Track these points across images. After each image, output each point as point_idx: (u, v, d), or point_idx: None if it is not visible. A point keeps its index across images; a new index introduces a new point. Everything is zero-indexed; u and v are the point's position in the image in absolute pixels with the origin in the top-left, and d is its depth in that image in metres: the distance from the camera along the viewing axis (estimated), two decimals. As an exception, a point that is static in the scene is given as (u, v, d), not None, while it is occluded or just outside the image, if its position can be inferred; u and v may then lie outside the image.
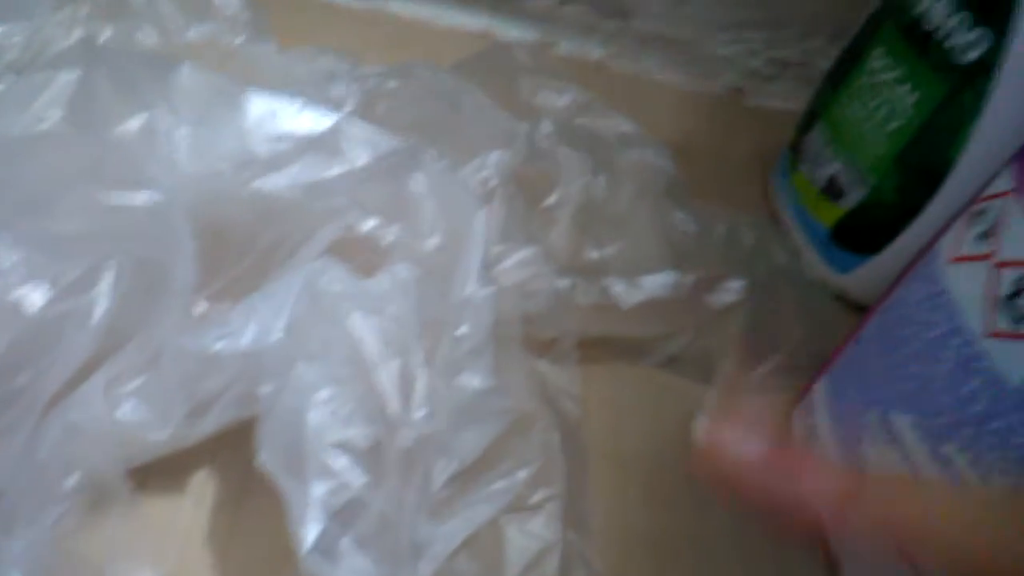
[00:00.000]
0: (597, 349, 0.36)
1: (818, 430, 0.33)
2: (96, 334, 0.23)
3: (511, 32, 0.53)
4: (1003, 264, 0.26)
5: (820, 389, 0.34)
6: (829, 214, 0.41)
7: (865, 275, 0.40)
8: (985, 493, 0.19)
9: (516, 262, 0.34)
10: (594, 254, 0.37)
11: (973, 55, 0.34)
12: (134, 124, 0.25)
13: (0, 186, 0.23)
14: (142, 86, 0.26)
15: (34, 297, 0.22)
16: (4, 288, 0.22)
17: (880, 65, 0.39)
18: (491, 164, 0.36)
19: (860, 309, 0.41)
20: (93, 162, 0.24)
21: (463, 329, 0.28)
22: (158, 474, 0.26)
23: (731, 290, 0.36)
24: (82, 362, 0.24)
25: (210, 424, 0.26)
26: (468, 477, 0.27)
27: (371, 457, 0.25)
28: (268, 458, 0.25)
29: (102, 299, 0.23)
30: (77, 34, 0.32)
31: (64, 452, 0.23)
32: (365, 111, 0.34)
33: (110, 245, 0.24)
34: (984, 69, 0.34)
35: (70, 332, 0.23)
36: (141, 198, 0.24)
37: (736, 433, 0.17)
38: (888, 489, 0.17)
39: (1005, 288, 0.25)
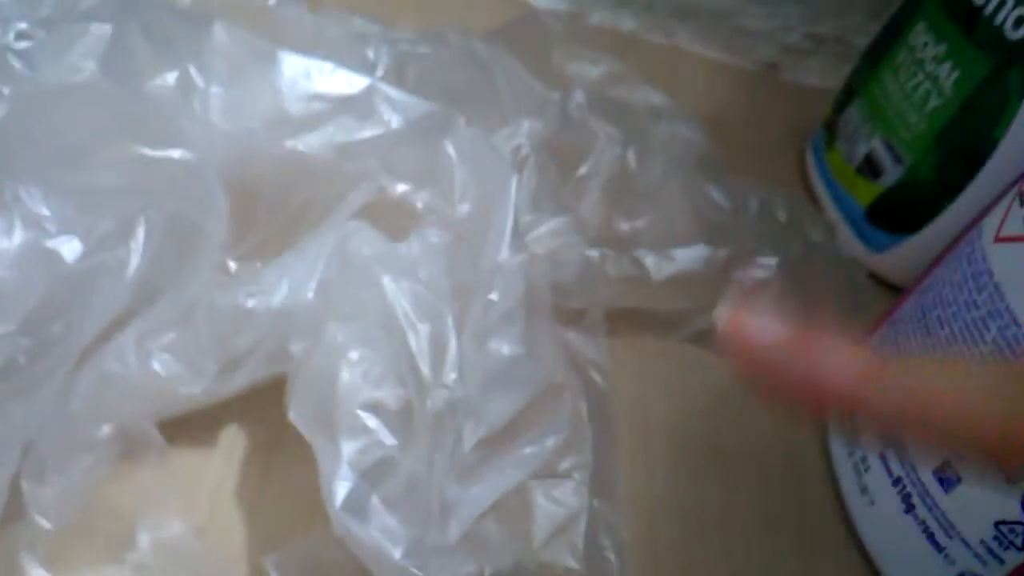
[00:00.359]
0: (626, 321, 0.36)
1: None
2: (130, 287, 0.23)
3: (543, 2, 0.52)
4: (1050, 242, 0.25)
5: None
6: (865, 192, 0.41)
7: (901, 255, 0.40)
8: (1009, 365, 0.18)
9: (546, 231, 0.34)
10: (625, 226, 0.36)
11: (1020, 33, 0.33)
12: (168, 79, 0.25)
13: (34, 137, 0.23)
14: (176, 42, 0.26)
15: (68, 248, 0.22)
16: (37, 239, 0.22)
17: (921, 42, 0.38)
18: (523, 132, 0.35)
19: (894, 289, 0.40)
20: (127, 116, 0.24)
21: (494, 295, 0.28)
22: (189, 428, 0.26)
23: (764, 266, 0.36)
24: (115, 315, 0.24)
25: (241, 380, 0.26)
26: (497, 442, 0.27)
27: (401, 418, 0.25)
28: (299, 415, 0.25)
29: (135, 253, 0.23)
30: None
31: (96, 403, 0.23)
32: (397, 75, 0.34)
33: (143, 199, 0.24)
34: (1032, 45, 0.33)
35: (104, 284, 0.23)
36: (175, 154, 0.24)
37: (757, 317, 0.17)
38: (910, 367, 0.16)
39: (1051, 267, 0.25)
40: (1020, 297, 0.26)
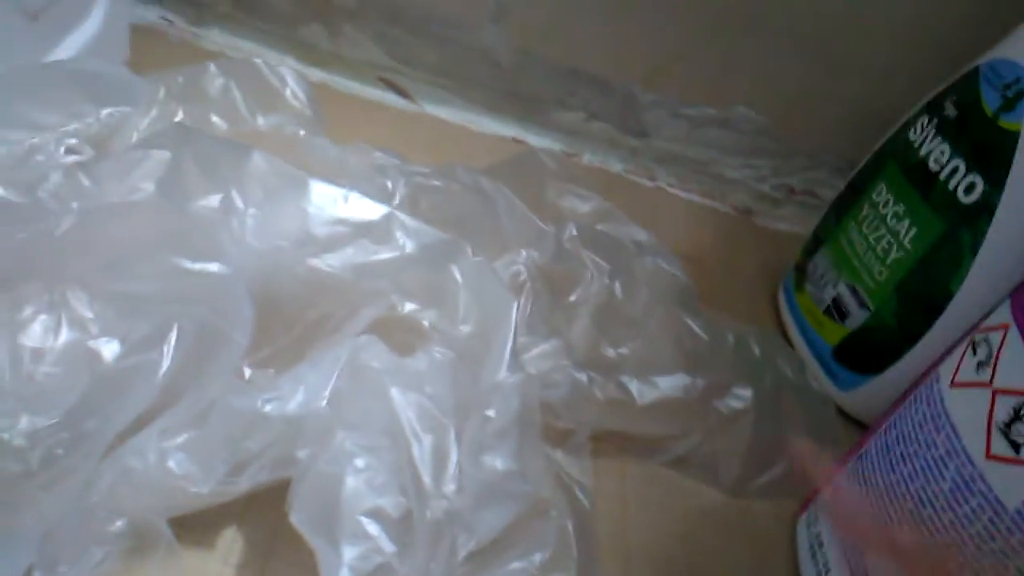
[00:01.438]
0: (610, 443, 0.37)
1: (823, 539, 0.34)
2: (160, 387, 0.25)
3: (539, 142, 0.57)
4: (1000, 392, 0.28)
5: (824, 500, 0.36)
6: (833, 333, 0.44)
7: (867, 394, 0.42)
8: None
9: (539, 353, 0.36)
10: (610, 352, 0.39)
11: (971, 198, 0.37)
12: (212, 201, 0.27)
13: (89, 246, 0.25)
14: (221, 168, 0.29)
15: (108, 349, 0.24)
16: (81, 339, 0.24)
17: (882, 200, 0.42)
18: (522, 260, 0.38)
19: (862, 425, 0.43)
20: (173, 232, 0.26)
21: (491, 412, 0.30)
22: (192, 527, 0.27)
23: (739, 397, 0.38)
24: (141, 415, 0.25)
25: (246, 482, 0.27)
26: (486, 555, 0.28)
27: (401, 526, 0.26)
28: (301, 518, 0.26)
29: (167, 356, 0.25)
30: (154, 113, 0.35)
31: (114, 496, 0.24)
32: (411, 204, 0.37)
33: (177, 307, 0.26)
34: (981, 211, 0.37)
35: (137, 383, 0.24)
36: (212, 267, 0.26)
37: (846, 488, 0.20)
38: None
39: (1001, 415, 0.27)
40: (974, 439, 0.28)
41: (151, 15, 0.53)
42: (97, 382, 0.23)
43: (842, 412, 0.44)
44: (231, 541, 0.29)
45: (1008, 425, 0.27)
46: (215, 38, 0.54)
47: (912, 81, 0.45)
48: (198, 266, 0.26)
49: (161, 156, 0.25)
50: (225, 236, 0.27)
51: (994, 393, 0.28)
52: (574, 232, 0.43)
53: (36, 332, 0.23)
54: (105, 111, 0.30)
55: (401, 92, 0.56)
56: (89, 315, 0.24)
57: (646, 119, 0.56)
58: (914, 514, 0.29)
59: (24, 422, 0.21)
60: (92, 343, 0.24)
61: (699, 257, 0.53)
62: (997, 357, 0.28)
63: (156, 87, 0.36)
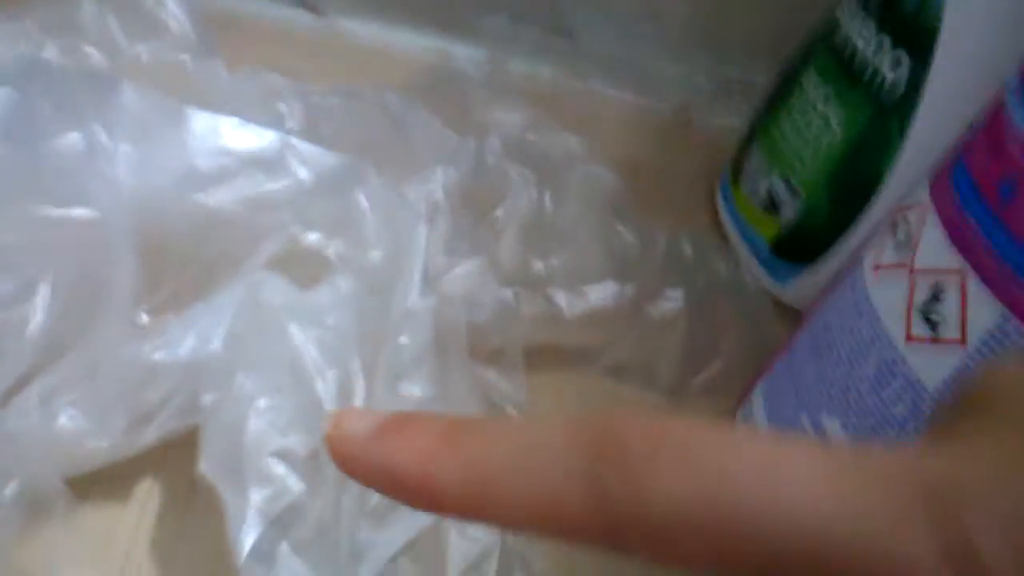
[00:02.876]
0: (543, 357, 0.37)
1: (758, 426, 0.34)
2: (31, 346, 0.23)
3: (463, 52, 0.54)
4: (918, 271, 0.27)
5: (758, 394, 0.35)
6: (769, 228, 0.43)
7: (803, 284, 0.42)
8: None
9: (461, 273, 0.35)
10: (539, 266, 0.38)
11: (898, 76, 0.36)
12: (72, 140, 0.25)
13: (-64, 200, 0.23)
14: (81, 104, 0.26)
15: (-31, 309, 0.23)
16: (-62, 301, 0.23)
17: (812, 85, 0.41)
18: (436, 179, 0.36)
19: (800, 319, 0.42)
20: (29, 177, 0.24)
21: (404, 339, 0.29)
22: (103, 483, 0.26)
23: (671, 299, 0.37)
24: (19, 375, 0.24)
25: (153, 433, 0.26)
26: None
27: (309, 465, 0.25)
28: (208, 466, 0.25)
29: (39, 311, 0.24)
30: (22, 48, 0.33)
31: (2, 460, 0.23)
32: (310, 130, 0.35)
33: (47, 259, 0.24)
34: (908, 91, 0.35)
35: (5, 345, 0.23)
36: (79, 212, 0.25)
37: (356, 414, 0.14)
38: (484, 438, 0.13)
39: (920, 296, 0.27)
40: (895, 322, 0.27)
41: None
42: (-45, 345, 0.22)
43: (786, 308, 0.43)
44: (147, 492, 0.28)
45: (927, 305, 0.26)
46: (105, -34, 0.50)
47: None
48: (62, 212, 0.24)
49: (2, 94, 0.23)
50: (91, 177, 0.25)
51: (913, 274, 0.27)
52: (497, 145, 0.41)
53: None
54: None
55: (310, 6, 0.53)
56: (-56, 274, 0.22)
57: (573, 18, 0.53)
58: (839, 400, 0.29)
59: None
60: (-51, 304, 0.22)
61: (636, 161, 0.51)
62: (916, 238, 0.28)
63: (22, 21, 0.33)
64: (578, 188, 0.42)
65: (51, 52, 0.33)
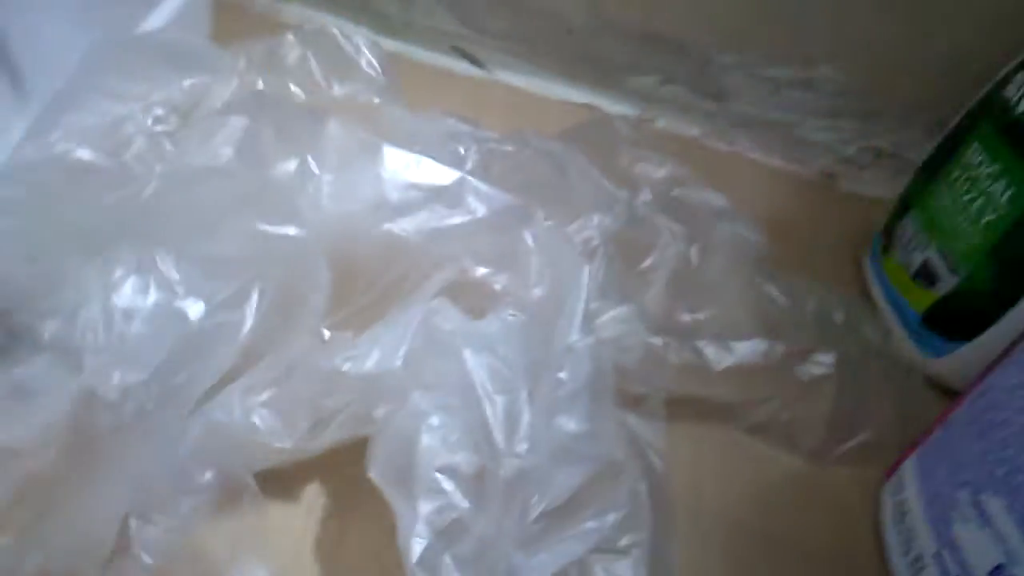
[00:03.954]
0: (685, 408, 0.37)
1: (908, 507, 0.33)
2: (241, 347, 0.26)
3: (613, 107, 0.56)
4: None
5: (909, 468, 0.35)
6: (921, 299, 0.42)
7: (957, 361, 0.40)
8: None
9: (612, 318, 0.36)
10: (686, 317, 0.38)
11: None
12: (289, 166, 0.28)
13: (174, 210, 0.26)
14: (297, 135, 0.29)
15: (193, 309, 0.25)
16: (169, 299, 0.25)
17: (975, 160, 0.40)
18: (594, 226, 0.38)
19: (950, 393, 0.41)
20: (252, 196, 0.27)
21: (563, 374, 0.30)
22: (277, 481, 0.28)
23: (821, 363, 0.37)
24: (227, 370, 0.26)
25: (328, 438, 0.28)
26: (559, 514, 0.29)
27: (475, 483, 0.26)
28: (380, 473, 0.27)
29: (249, 316, 0.26)
30: (235, 83, 0.36)
31: (203, 450, 0.25)
32: (484, 170, 0.37)
33: (259, 269, 0.27)
34: (1083, 168, 0.35)
35: (220, 342, 0.25)
36: (290, 230, 0.27)
37: None
38: None
39: (1100, 378, 0.26)
40: (1072, 404, 0.27)
41: (233, -10, 0.55)
42: (183, 341, 0.24)
43: (930, 381, 0.42)
44: (314, 494, 0.30)
45: (1110, 390, 0.26)
46: (293, 11, 0.55)
47: (1008, 36, 0.43)
48: (276, 229, 0.27)
49: (239, 122, 0.26)
50: (302, 200, 0.28)
51: (1095, 357, 0.27)
52: (648, 197, 0.42)
53: (127, 293, 0.24)
54: (188, 81, 0.31)
55: (474, 60, 0.56)
56: (176, 276, 0.25)
57: (723, 81, 0.54)
58: (1006, 481, 0.28)
59: (116, 377, 0.22)
60: (179, 303, 0.25)
61: (780, 223, 0.51)
62: (1099, 319, 0.27)
63: (237, 58, 0.37)
64: (725, 244, 0.42)
65: (260, 87, 0.36)
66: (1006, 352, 0.32)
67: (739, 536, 0.34)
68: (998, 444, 0.29)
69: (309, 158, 0.29)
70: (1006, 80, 0.40)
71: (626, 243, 0.40)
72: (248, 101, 0.28)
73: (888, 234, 0.46)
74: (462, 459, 0.26)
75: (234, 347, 0.26)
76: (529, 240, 0.33)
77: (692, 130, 0.56)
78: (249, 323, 0.26)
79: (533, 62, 0.56)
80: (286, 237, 0.27)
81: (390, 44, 0.55)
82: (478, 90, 0.54)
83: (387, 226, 0.30)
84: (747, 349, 0.36)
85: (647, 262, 0.40)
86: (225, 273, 0.26)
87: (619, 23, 0.53)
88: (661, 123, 0.56)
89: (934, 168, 0.44)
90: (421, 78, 0.53)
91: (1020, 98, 0.39)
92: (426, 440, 0.27)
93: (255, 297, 0.26)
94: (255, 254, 0.27)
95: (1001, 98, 0.40)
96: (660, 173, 0.47)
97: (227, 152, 0.26)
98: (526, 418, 0.27)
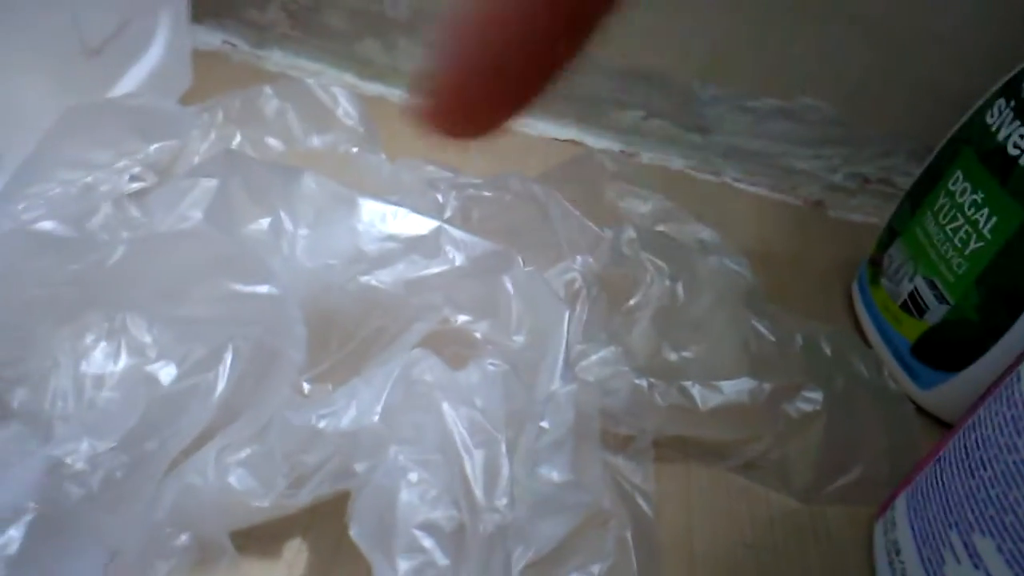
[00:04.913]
0: (674, 449, 0.37)
1: (900, 546, 0.33)
2: (216, 407, 0.26)
3: (598, 143, 0.56)
4: (1085, 389, 0.26)
5: (901, 504, 0.34)
6: (911, 329, 0.42)
7: (949, 392, 0.40)
8: None
9: (597, 360, 0.36)
10: (672, 356, 0.38)
11: (1054, 181, 0.35)
12: (262, 224, 0.28)
13: (145, 275, 0.26)
14: (271, 191, 0.29)
15: (164, 373, 0.25)
16: (139, 364, 0.25)
17: (959, 188, 0.40)
18: (576, 267, 0.38)
19: (944, 425, 0.41)
20: (224, 257, 0.27)
21: (545, 423, 0.30)
22: (256, 539, 0.28)
23: (810, 400, 0.37)
24: (201, 431, 0.26)
25: (307, 495, 0.28)
26: (544, 567, 0.28)
27: (455, 540, 0.26)
28: (359, 532, 0.26)
29: (223, 376, 0.26)
30: (212, 137, 0.36)
31: (178, 512, 0.25)
32: (463, 216, 0.37)
33: (232, 329, 0.27)
34: (1065, 195, 0.34)
35: (193, 405, 0.25)
36: (262, 289, 0.27)
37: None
38: None
39: (1087, 414, 0.26)
40: (1059, 441, 0.26)
41: (214, 40, 0.55)
42: (155, 405, 0.24)
43: (923, 411, 0.42)
44: (296, 551, 0.30)
45: (1096, 427, 0.25)
46: (276, 59, 0.56)
47: (989, 61, 0.43)
48: (250, 288, 0.27)
49: (208, 184, 0.26)
50: (276, 258, 0.28)
51: (1080, 393, 0.26)
52: (632, 235, 0.42)
53: (97, 359, 0.24)
54: (153, 146, 0.31)
55: (459, 101, 0.57)
56: (148, 340, 0.25)
57: (707, 114, 0.54)
58: (995, 521, 0.28)
59: (85, 446, 0.22)
60: (150, 367, 0.25)
61: (769, 253, 0.51)
62: (1082, 354, 0.27)
63: (215, 112, 0.37)
64: (711, 279, 0.42)
65: (237, 141, 0.37)
66: (994, 386, 0.32)
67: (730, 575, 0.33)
68: (987, 482, 0.29)
69: (282, 214, 0.29)
70: (987, 106, 0.40)
71: (611, 283, 0.40)
72: (218, 161, 0.28)
73: (876, 263, 0.46)
74: (441, 515, 0.26)
75: (208, 408, 0.25)
76: (509, 286, 0.33)
77: (677, 162, 0.56)
78: (222, 384, 0.26)
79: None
80: (260, 295, 0.27)
81: (375, 88, 0.56)
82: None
83: (364, 279, 0.30)
84: (734, 388, 0.36)
85: (632, 301, 0.40)
86: (198, 335, 0.26)
87: (599, 59, 0.53)
88: (646, 157, 0.56)
89: (919, 196, 0.44)
90: (406, 122, 0.53)
91: (1000, 125, 0.39)
92: (405, 496, 0.26)
93: (228, 357, 0.26)
94: (229, 314, 0.27)
95: (982, 124, 0.40)
96: (646, 208, 0.47)
97: (195, 215, 0.26)
98: (505, 472, 0.27)
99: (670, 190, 0.50)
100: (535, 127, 0.56)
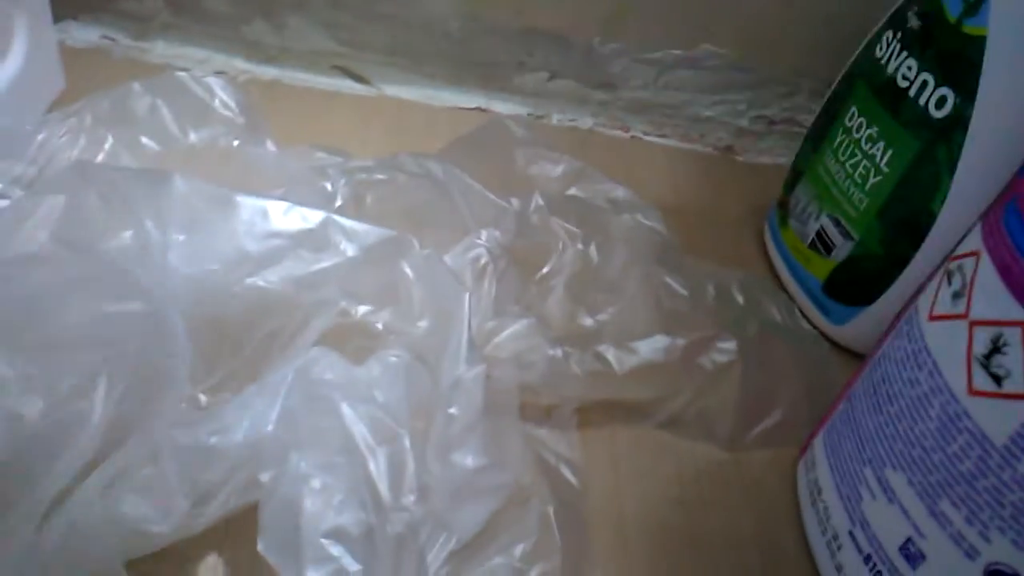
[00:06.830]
0: (596, 414, 0.36)
1: (821, 485, 0.33)
2: (94, 438, 0.24)
3: (505, 108, 0.55)
4: (976, 323, 0.26)
5: (819, 444, 0.34)
6: (821, 268, 0.42)
7: (861, 325, 0.40)
8: None
9: (510, 334, 0.35)
10: (588, 321, 0.38)
11: (943, 113, 0.35)
12: (125, 237, 0.27)
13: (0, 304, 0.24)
14: (134, 200, 0.28)
15: (29, 407, 0.24)
16: (1, 402, 0.24)
17: (855, 123, 0.40)
18: (482, 242, 0.37)
19: (861, 359, 0.41)
20: (85, 277, 0.25)
21: (454, 409, 0.29)
22: (168, 562, 0.27)
23: (724, 350, 0.37)
24: (83, 465, 0.25)
25: (215, 512, 0.26)
26: (467, 554, 0.28)
27: (365, 543, 0.25)
28: (267, 545, 0.25)
29: (98, 404, 0.24)
30: (82, 143, 0.34)
31: (66, 551, 0.24)
32: (355, 203, 0.36)
33: (104, 352, 0.25)
34: (954, 125, 0.35)
35: (68, 438, 0.24)
36: (133, 305, 0.26)
37: None
38: None
39: (980, 347, 0.26)
40: (956, 374, 0.26)
41: (92, 36, 0.52)
42: (21, 444, 0.23)
43: (842, 348, 0.42)
44: (212, 570, 0.29)
45: (987, 358, 0.25)
46: (160, 50, 0.53)
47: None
48: (117, 307, 0.25)
49: (54, 201, 0.25)
50: (144, 270, 0.26)
51: (971, 325, 0.26)
52: (540, 202, 0.41)
53: (-49, 403, 0.22)
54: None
55: (358, 77, 0.55)
56: (9, 374, 0.23)
57: (610, 70, 0.53)
58: (904, 455, 0.28)
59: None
60: (12, 403, 0.23)
61: (683, 205, 0.51)
62: (971, 287, 0.27)
63: (83, 115, 0.35)
64: (625, 237, 0.42)
65: (110, 144, 0.34)
66: (896, 320, 0.32)
67: (664, 538, 0.33)
68: (894, 417, 0.29)
69: (147, 223, 0.27)
70: (876, 39, 0.40)
71: (521, 254, 0.39)
72: (67, 174, 0.26)
73: (784, 205, 0.46)
74: (348, 520, 0.25)
75: (85, 440, 0.24)
76: (408, 271, 0.32)
77: (587, 121, 0.56)
78: (99, 411, 0.24)
79: (418, 72, 0.54)
80: (130, 313, 0.26)
81: (268, 72, 0.53)
82: (366, 107, 0.53)
83: (250, 280, 0.29)
84: (649, 347, 0.36)
85: (545, 270, 0.39)
86: (65, 363, 0.24)
87: (494, 22, 0.51)
88: (556, 119, 0.55)
89: (819, 135, 0.44)
90: (306, 102, 0.51)
91: (889, 57, 0.39)
92: (309, 505, 0.25)
93: (103, 382, 0.25)
94: (98, 337, 0.25)
95: (872, 58, 0.40)
96: (557, 171, 0.46)
97: (41, 236, 0.24)
98: (411, 467, 0.26)
99: (581, 150, 0.49)
100: (438, 98, 0.55)
